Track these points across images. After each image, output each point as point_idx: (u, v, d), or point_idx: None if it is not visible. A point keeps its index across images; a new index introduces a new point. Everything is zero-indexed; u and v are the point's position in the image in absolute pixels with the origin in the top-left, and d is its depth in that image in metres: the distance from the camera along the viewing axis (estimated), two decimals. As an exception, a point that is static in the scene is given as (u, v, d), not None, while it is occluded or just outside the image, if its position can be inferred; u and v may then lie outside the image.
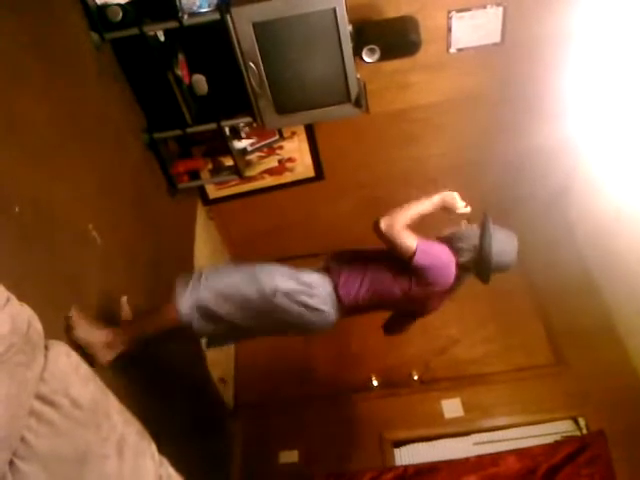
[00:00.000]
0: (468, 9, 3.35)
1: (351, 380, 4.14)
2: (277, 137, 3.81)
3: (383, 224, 2.27)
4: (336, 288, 2.42)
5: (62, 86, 2.51)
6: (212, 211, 4.34)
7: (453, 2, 3.34)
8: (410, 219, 2.30)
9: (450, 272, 2.37)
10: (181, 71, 3.12)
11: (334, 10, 2.86)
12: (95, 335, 2.21)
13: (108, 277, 2.61)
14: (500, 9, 3.36)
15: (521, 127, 3.91)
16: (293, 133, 3.88)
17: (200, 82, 3.21)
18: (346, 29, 2.95)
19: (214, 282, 2.36)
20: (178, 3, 2.77)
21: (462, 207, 2.39)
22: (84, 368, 1.80)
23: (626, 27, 3.35)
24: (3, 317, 1.46)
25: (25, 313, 1.56)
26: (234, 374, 4.32)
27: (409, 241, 2.27)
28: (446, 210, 2.40)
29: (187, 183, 3.67)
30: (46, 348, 1.68)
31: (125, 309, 2.59)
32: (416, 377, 4.07)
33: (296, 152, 4.01)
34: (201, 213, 4.19)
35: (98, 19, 2.80)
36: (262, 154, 3.92)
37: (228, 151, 3.55)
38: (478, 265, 2.40)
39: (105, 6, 2.76)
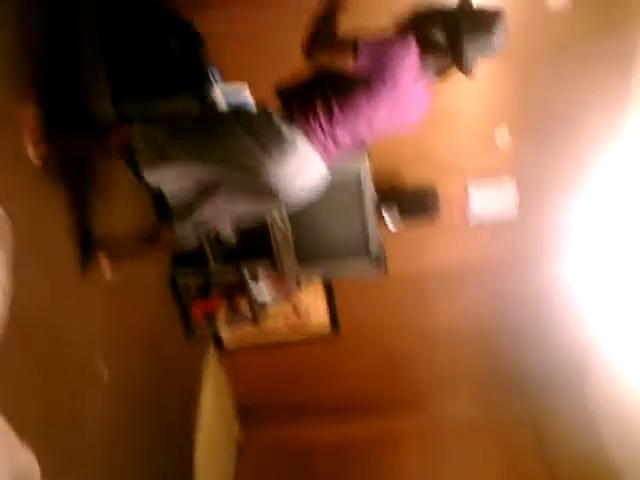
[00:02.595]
0: (485, 183, 3.56)
1: None
2: (295, 287, 3.89)
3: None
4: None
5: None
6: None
7: (470, 175, 3.56)
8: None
9: (400, 54, 2.02)
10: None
11: (359, 175, 3.06)
12: None
13: (110, 416, 2.54)
14: (515, 184, 3.56)
15: (535, 298, 3.95)
16: (311, 286, 3.96)
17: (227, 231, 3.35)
18: (369, 192, 3.14)
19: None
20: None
21: None
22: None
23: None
24: (3, 462, 1.41)
25: (26, 458, 1.52)
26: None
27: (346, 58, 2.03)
28: None
29: (203, 328, 3.70)
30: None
31: None
32: None
33: (312, 303, 4.06)
34: (212, 358, 4.16)
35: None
36: (279, 302, 3.97)
37: (246, 295, 3.62)
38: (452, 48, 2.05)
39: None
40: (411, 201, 3.46)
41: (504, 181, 3.56)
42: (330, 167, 2.18)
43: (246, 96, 3.06)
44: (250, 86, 3.07)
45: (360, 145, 2.22)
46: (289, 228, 3.20)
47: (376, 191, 3.28)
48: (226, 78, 3.08)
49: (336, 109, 2.06)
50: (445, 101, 3.34)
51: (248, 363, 4.37)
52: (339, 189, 3.11)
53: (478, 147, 3.46)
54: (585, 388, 4.26)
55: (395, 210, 3.42)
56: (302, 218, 3.21)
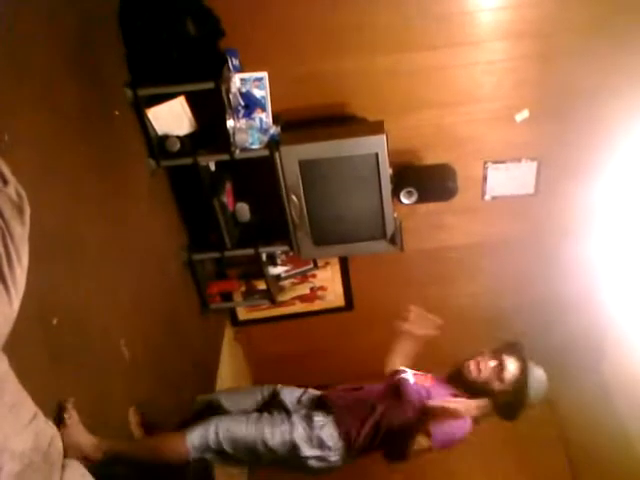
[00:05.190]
0: (503, 161, 3.53)
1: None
2: (311, 266, 3.91)
3: None
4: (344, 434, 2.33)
5: (115, 205, 2.65)
6: (239, 332, 4.36)
7: (489, 154, 3.52)
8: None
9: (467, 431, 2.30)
10: (226, 198, 3.29)
11: (376, 155, 3.04)
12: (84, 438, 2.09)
13: (133, 393, 2.60)
14: (534, 164, 3.52)
15: (553, 276, 3.92)
16: (327, 263, 3.98)
17: (243, 210, 3.37)
18: (386, 172, 3.12)
19: (227, 433, 2.31)
20: (232, 139, 2.98)
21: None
22: (96, 491, 1.76)
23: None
24: (27, 434, 1.46)
25: (49, 431, 1.56)
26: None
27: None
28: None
29: (219, 304, 3.74)
30: (62, 468, 1.65)
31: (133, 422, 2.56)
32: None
33: (328, 281, 4.09)
34: (229, 333, 4.21)
35: (157, 148, 3.02)
36: (295, 281, 4.00)
37: (262, 276, 3.64)
38: (505, 408, 2.33)
39: (165, 137, 2.99)
40: (429, 179, 3.43)
41: (523, 159, 3.52)
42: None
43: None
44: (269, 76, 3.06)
45: None
46: (304, 208, 3.20)
47: (393, 169, 3.25)
48: (246, 66, 3.08)
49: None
50: (465, 81, 3.29)
51: (263, 338, 4.42)
52: (356, 170, 3.10)
53: (498, 127, 3.41)
54: (603, 367, 4.26)
55: (412, 188, 3.40)
56: (319, 200, 3.20)
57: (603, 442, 3.91)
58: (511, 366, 2.30)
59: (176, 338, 3.23)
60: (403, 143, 3.37)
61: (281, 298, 3.99)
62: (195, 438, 2.26)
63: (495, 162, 3.54)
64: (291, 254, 3.56)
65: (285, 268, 3.76)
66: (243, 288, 3.82)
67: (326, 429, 2.30)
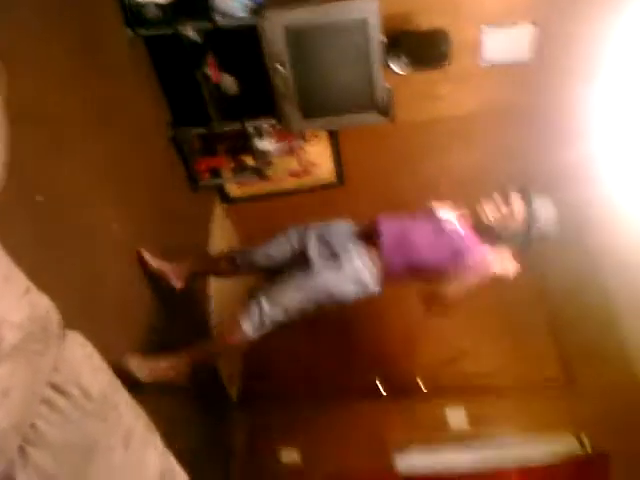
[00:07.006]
0: (500, 25, 3.35)
1: (357, 382, 4.14)
2: (300, 140, 3.84)
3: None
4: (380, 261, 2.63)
5: (93, 78, 2.55)
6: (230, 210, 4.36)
7: (485, 17, 3.34)
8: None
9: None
10: (210, 70, 3.16)
11: (366, 20, 2.88)
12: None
13: (123, 267, 2.66)
14: (532, 27, 3.35)
15: (547, 145, 3.88)
16: (316, 137, 3.90)
17: (228, 82, 3.25)
18: (377, 39, 2.98)
19: (277, 307, 2.54)
20: (212, 5, 2.81)
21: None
22: (97, 359, 1.83)
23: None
24: (22, 306, 1.49)
25: (44, 303, 1.60)
26: (241, 367, 4.33)
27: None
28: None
29: (208, 180, 3.72)
30: (63, 337, 1.72)
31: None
32: (422, 385, 4.06)
33: (318, 156, 4.03)
34: (218, 211, 4.23)
35: (133, 16, 2.84)
36: (284, 156, 3.94)
37: (251, 151, 3.59)
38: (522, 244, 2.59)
39: (142, 4, 2.80)
40: (421, 45, 3.28)
41: (521, 22, 3.34)
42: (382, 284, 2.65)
43: None
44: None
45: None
46: (292, 79, 3.08)
47: (384, 35, 3.10)
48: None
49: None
50: None
51: (253, 213, 4.42)
52: (346, 36, 2.96)
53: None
54: (592, 239, 4.30)
55: (404, 55, 3.26)
56: (307, 69, 3.08)
57: (588, 313, 4.04)
58: (517, 201, 2.51)
59: (165, 215, 3.24)
60: (395, 8, 3.18)
61: (270, 174, 3.96)
62: (249, 325, 2.52)
63: (491, 26, 3.36)
64: (279, 128, 3.48)
65: (273, 143, 3.69)
66: (232, 164, 3.78)
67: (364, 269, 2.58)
